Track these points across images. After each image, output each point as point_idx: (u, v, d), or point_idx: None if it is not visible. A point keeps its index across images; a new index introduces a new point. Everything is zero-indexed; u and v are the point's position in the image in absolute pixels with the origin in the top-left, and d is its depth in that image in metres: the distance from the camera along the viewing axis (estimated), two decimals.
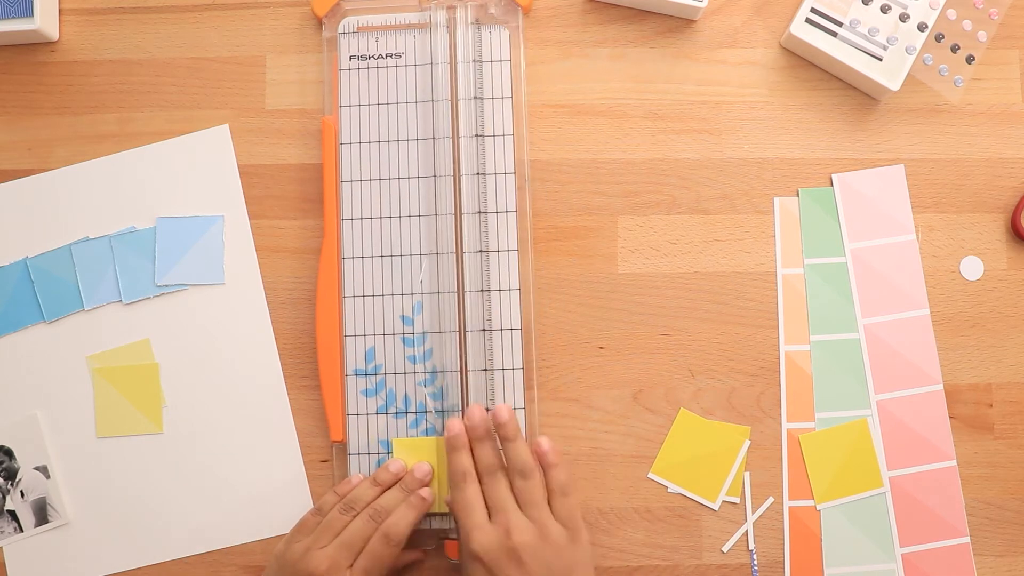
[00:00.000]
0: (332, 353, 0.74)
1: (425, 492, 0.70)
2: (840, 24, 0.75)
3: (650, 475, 0.74)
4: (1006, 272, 0.77)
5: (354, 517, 0.69)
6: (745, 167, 0.77)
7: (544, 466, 0.68)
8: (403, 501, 0.69)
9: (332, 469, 0.75)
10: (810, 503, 0.74)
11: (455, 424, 0.70)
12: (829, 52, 0.75)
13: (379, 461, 0.73)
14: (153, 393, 0.75)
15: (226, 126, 0.78)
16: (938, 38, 0.76)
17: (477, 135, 0.75)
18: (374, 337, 0.74)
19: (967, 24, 0.76)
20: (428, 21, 0.76)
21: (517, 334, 0.73)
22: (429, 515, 0.72)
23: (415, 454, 0.72)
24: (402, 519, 0.69)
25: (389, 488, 0.70)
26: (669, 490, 0.74)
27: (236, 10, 0.79)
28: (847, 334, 0.76)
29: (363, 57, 0.76)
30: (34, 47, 0.79)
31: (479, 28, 0.76)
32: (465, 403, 0.72)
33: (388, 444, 0.73)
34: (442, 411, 0.73)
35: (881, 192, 0.77)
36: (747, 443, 0.74)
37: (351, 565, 0.67)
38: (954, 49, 0.76)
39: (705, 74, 0.78)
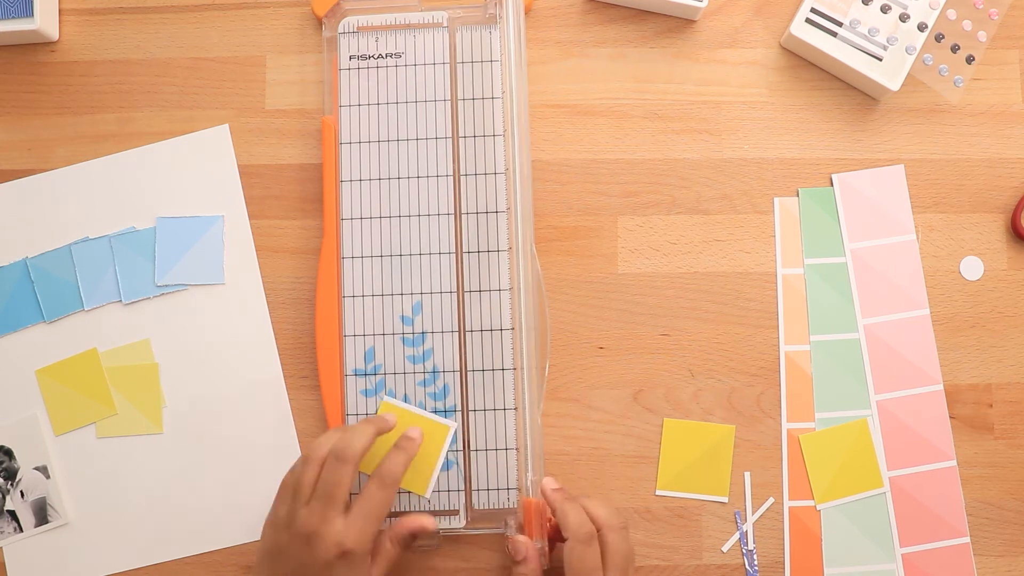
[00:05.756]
0: (332, 353, 0.74)
1: (414, 432, 0.68)
2: (840, 24, 0.75)
3: (658, 492, 0.74)
4: (1006, 272, 0.77)
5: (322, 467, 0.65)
6: (745, 167, 0.77)
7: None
8: (366, 434, 0.66)
9: None
10: (810, 503, 0.74)
11: (522, 541, 0.68)
12: (829, 52, 0.75)
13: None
14: (153, 393, 0.75)
15: (226, 126, 0.78)
16: (938, 38, 0.76)
17: (477, 135, 0.75)
18: (373, 337, 0.74)
19: (967, 24, 0.76)
20: (428, 21, 0.76)
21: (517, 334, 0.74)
22: (431, 516, 0.72)
23: (400, 420, 0.71)
24: (393, 459, 0.66)
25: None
26: (680, 498, 0.74)
27: (236, 10, 0.79)
28: (847, 334, 0.76)
29: (363, 57, 0.76)
30: (34, 47, 0.79)
31: (479, 28, 0.76)
32: (465, 403, 0.72)
33: None
34: (444, 411, 0.73)
35: (881, 192, 0.77)
36: (734, 433, 0.75)
37: (344, 512, 0.64)
38: (954, 49, 0.76)
39: (705, 74, 0.78)
